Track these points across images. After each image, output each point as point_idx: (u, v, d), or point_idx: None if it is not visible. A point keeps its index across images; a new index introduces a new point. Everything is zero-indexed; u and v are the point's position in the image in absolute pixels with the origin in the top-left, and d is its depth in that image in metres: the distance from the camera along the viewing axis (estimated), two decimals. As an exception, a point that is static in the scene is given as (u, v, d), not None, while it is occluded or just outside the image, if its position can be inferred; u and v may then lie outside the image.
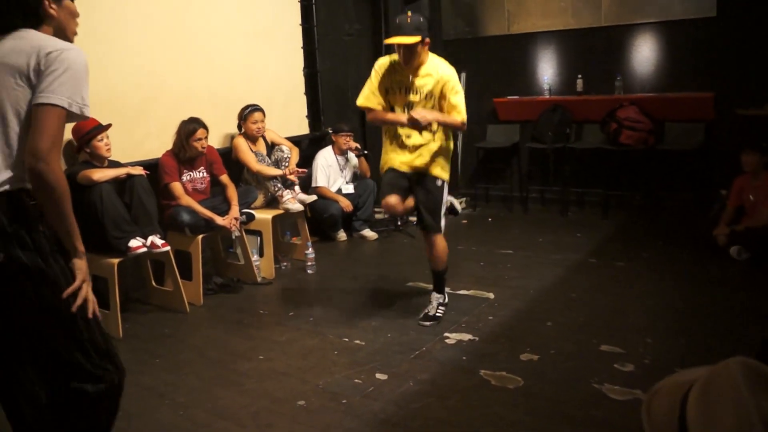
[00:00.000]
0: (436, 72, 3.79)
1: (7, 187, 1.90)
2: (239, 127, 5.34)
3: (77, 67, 1.91)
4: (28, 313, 1.92)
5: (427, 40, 3.73)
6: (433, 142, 3.89)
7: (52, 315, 1.93)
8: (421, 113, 3.65)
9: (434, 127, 3.84)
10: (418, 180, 3.96)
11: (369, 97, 3.92)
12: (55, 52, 1.88)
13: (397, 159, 3.97)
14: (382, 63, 3.92)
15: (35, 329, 1.95)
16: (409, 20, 3.69)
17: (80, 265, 1.97)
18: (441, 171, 3.94)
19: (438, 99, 3.81)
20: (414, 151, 3.92)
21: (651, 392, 1.10)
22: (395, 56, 3.82)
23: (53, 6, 2.02)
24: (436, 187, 3.93)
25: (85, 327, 1.96)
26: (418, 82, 3.81)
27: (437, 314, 4.06)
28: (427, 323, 4.01)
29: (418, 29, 3.66)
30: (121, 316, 4.13)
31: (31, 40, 1.92)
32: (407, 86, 3.83)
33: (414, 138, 3.89)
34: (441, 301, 4.13)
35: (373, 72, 3.93)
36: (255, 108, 5.28)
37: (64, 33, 2.05)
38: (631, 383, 3.10)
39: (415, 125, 3.68)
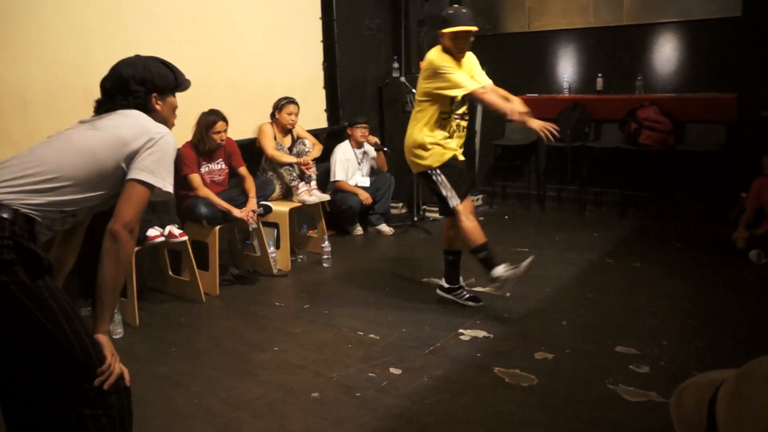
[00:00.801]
0: (470, 60, 4.09)
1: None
2: (272, 115, 5.40)
3: (171, 152, 2.12)
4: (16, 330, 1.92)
5: None
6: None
7: (40, 334, 1.91)
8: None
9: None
10: None
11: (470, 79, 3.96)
12: (158, 136, 2.08)
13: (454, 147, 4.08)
14: (446, 57, 3.97)
15: (23, 346, 1.95)
16: (464, 11, 3.99)
17: (105, 340, 2.02)
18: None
19: None
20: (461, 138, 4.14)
21: (680, 388, 1.08)
22: (440, 50, 3.97)
23: (159, 102, 2.25)
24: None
25: (79, 348, 1.95)
26: (468, 67, 4.06)
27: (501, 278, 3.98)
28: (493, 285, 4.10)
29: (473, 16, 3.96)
30: (138, 305, 4.16)
31: (140, 121, 2.14)
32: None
33: (462, 125, 4.11)
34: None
35: (448, 63, 3.90)
36: (291, 100, 5.38)
37: (165, 124, 2.23)
38: (646, 385, 3.08)
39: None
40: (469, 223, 4.02)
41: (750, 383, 0.91)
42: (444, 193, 4.02)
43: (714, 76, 6.03)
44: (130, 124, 2.12)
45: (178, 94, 2.41)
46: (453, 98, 3.94)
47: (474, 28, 3.90)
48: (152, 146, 2.06)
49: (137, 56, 2.31)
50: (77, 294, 4.18)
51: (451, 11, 3.97)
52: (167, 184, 2.10)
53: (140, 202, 2.06)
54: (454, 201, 4.00)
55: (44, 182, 1.97)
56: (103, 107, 2.19)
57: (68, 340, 1.89)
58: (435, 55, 3.97)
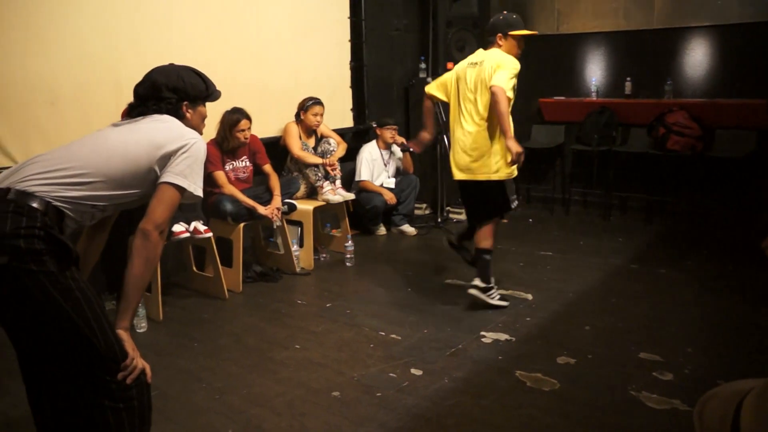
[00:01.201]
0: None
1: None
2: (297, 115, 5.41)
3: (201, 156, 2.19)
4: (35, 317, 1.94)
5: None
6: None
7: (60, 321, 1.94)
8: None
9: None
10: None
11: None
12: (192, 142, 2.16)
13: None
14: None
15: (44, 332, 1.98)
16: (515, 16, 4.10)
17: (126, 336, 2.06)
18: None
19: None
20: None
21: (705, 398, 1.07)
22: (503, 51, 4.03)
23: (189, 110, 2.33)
24: None
25: (103, 341, 1.97)
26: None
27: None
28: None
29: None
30: (162, 300, 4.20)
31: (174, 126, 2.22)
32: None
33: None
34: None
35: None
36: (317, 101, 5.38)
37: (195, 131, 2.29)
38: (670, 393, 3.05)
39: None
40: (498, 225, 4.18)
41: None
42: (510, 196, 4.10)
43: (745, 81, 5.94)
44: (164, 129, 2.18)
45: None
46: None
47: (534, 32, 4.14)
48: (186, 151, 2.13)
49: (171, 65, 2.36)
50: (102, 288, 4.23)
51: (514, 16, 4.09)
52: (198, 189, 2.17)
53: (172, 204, 2.12)
54: (515, 202, 4.16)
55: (76, 176, 2.01)
56: (135, 111, 2.25)
57: (93, 332, 1.93)
58: (508, 57, 3.98)
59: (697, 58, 6.23)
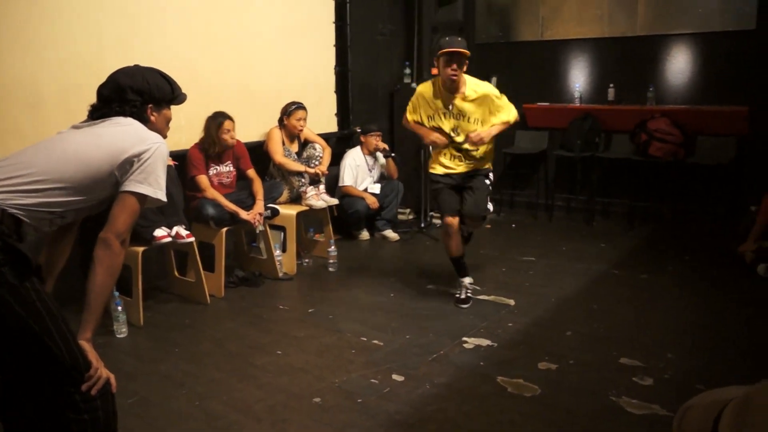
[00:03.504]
0: (475, 93, 4.14)
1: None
2: (280, 121, 5.39)
3: (163, 160, 2.15)
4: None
5: (467, 62, 4.08)
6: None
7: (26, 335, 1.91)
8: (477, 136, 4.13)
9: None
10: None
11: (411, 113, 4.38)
12: (154, 146, 2.12)
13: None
14: (421, 95, 4.28)
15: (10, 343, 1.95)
16: (459, 39, 4.07)
17: (88, 347, 2.02)
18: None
19: (486, 113, 4.21)
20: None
21: (684, 407, 1.07)
22: (428, 82, 4.24)
23: (154, 113, 2.29)
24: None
25: (66, 352, 1.95)
26: (461, 105, 4.14)
27: (468, 296, 4.39)
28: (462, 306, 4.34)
29: (467, 47, 4.02)
30: (143, 305, 4.17)
31: (136, 129, 2.18)
32: (455, 111, 4.17)
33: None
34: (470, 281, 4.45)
35: (414, 102, 4.34)
36: (300, 106, 5.36)
37: (158, 134, 2.25)
38: (650, 398, 3.06)
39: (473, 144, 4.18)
40: None
41: (758, 402, 0.89)
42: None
43: (726, 88, 6.00)
44: (126, 132, 2.15)
45: (190, 96, 2.43)
46: (439, 129, 4.30)
47: (455, 49, 3.99)
48: (149, 156, 2.09)
49: (137, 66, 2.33)
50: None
51: (446, 38, 4.12)
52: (160, 193, 2.13)
53: (133, 212, 2.10)
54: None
55: (33, 183, 1.98)
56: (98, 113, 2.20)
57: (55, 344, 1.89)
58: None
59: (679, 65, 6.29)
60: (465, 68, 4.07)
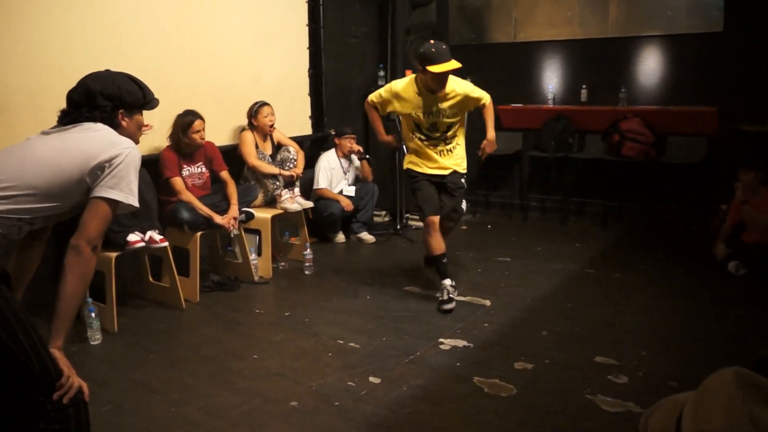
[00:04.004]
0: (456, 92, 4.23)
1: None
2: (250, 123, 5.36)
3: (135, 165, 2.13)
4: None
5: None
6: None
7: None
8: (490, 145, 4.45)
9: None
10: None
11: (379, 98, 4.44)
12: (125, 151, 2.10)
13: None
14: (400, 88, 4.33)
15: None
16: (444, 47, 4.09)
17: (60, 355, 2.00)
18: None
19: (463, 110, 4.36)
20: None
21: (650, 410, 1.11)
22: (407, 81, 4.30)
23: (125, 119, 2.26)
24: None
25: (36, 361, 1.93)
26: (444, 104, 4.24)
27: (451, 297, 4.34)
28: (446, 306, 4.30)
29: (451, 57, 4.07)
30: (117, 310, 4.13)
31: (106, 134, 2.16)
32: (436, 110, 4.25)
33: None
34: (452, 283, 4.40)
35: (390, 89, 4.39)
36: (264, 103, 5.33)
37: (130, 139, 2.23)
38: (624, 395, 3.10)
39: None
40: None
41: (712, 392, 0.93)
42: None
43: (696, 89, 6.08)
44: (96, 138, 2.12)
45: (162, 98, 2.41)
46: (417, 125, 4.42)
47: (450, 67, 4.07)
48: (120, 162, 2.07)
49: (107, 71, 2.30)
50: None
51: (433, 50, 4.09)
52: (132, 199, 2.12)
53: (105, 218, 2.08)
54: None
55: (2, 190, 1.95)
56: (67, 118, 2.18)
57: (24, 352, 1.87)
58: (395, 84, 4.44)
59: (649, 66, 6.37)
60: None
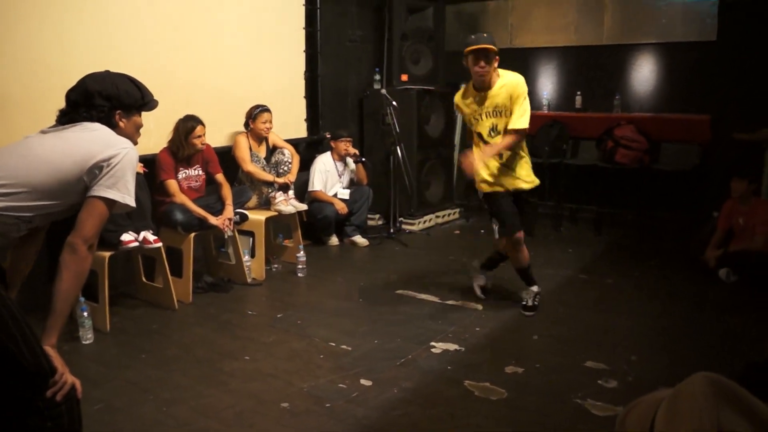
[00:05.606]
0: (504, 82, 4.06)
1: None
2: (246, 125, 5.37)
3: (132, 165, 2.15)
4: None
5: (497, 58, 4.00)
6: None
7: None
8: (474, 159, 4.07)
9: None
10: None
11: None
12: (123, 152, 2.11)
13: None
14: (457, 103, 4.28)
15: None
16: (484, 35, 4.02)
17: (53, 353, 2.01)
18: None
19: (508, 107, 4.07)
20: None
21: (628, 407, 1.13)
22: (460, 93, 4.23)
23: (123, 120, 2.27)
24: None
25: (31, 358, 1.94)
26: (495, 100, 4.07)
27: (535, 303, 4.33)
28: (528, 313, 4.29)
29: (493, 42, 3.96)
30: (110, 310, 4.13)
31: (104, 134, 2.18)
32: (487, 109, 4.10)
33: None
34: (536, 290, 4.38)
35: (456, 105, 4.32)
36: (265, 108, 5.35)
37: (128, 140, 2.24)
38: (614, 400, 3.11)
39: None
40: None
41: (683, 396, 0.95)
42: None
43: (689, 97, 6.14)
44: (94, 138, 2.14)
45: (159, 100, 2.42)
46: (479, 134, 4.23)
47: (481, 46, 3.96)
48: (118, 162, 2.09)
49: (107, 72, 2.32)
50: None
51: (472, 36, 4.06)
52: (129, 198, 2.13)
53: (102, 218, 2.09)
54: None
55: (0, 187, 1.96)
56: (66, 118, 2.19)
57: (19, 349, 1.87)
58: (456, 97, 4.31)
59: (643, 74, 6.42)
60: (496, 64, 4.02)
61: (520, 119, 4.01)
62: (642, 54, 6.42)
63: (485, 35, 4.02)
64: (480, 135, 4.18)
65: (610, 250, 5.91)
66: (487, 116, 4.11)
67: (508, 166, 4.17)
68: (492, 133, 4.12)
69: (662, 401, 1.01)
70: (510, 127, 4.02)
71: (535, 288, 4.37)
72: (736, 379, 2.40)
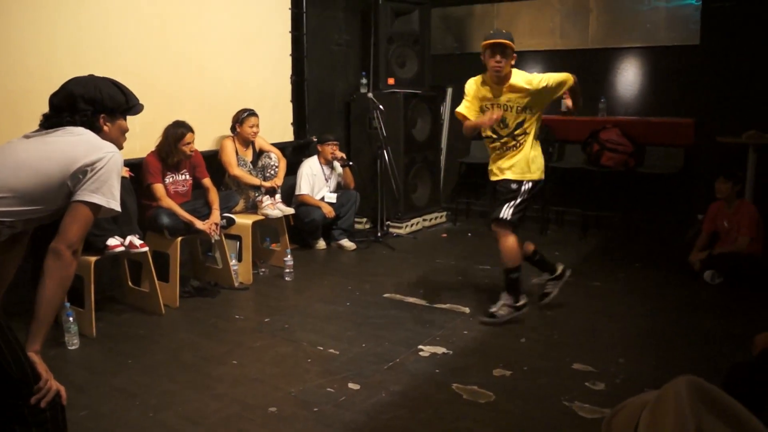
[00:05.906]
0: (521, 84, 4.06)
1: None
2: (233, 129, 5.35)
3: (117, 169, 2.12)
4: None
5: (515, 55, 4.04)
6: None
7: None
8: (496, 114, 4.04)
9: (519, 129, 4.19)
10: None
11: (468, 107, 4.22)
12: (108, 156, 2.09)
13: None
14: (471, 84, 4.26)
15: None
16: (504, 31, 4.09)
17: (38, 359, 1.99)
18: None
19: (535, 107, 4.17)
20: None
21: (615, 410, 1.14)
22: (479, 78, 4.20)
23: (107, 124, 2.25)
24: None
25: (14, 364, 1.92)
26: (510, 95, 4.09)
27: (499, 313, 4.22)
28: (486, 319, 4.22)
29: (511, 39, 3.99)
30: (96, 315, 4.10)
31: (88, 138, 2.15)
32: (500, 102, 4.11)
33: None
34: (506, 302, 4.25)
35: (466, 91, 4.27)
36: (252, 112, 5.34)
37: (113, 144, 2.22)
38: (602, 402, 3.13)
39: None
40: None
41: (666, 400, 0.96)
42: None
43: (673, 101, 6.18)
44: (78, 142, 2.12)
45: (145, 103, 2.40)
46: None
47: (497, 41, 3.98)
48: (102, 166, 2.07)
49: (91, 76, 2.30)
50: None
51: (491, 31, 4.13)
52: (114, 203, 2.11)
53: (86, 223, 2.08)
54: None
55: None
56: (49, 122, 2.17)
57: (2, 356, 1.86)
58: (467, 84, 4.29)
59: (628, 77, 6.46)
60: (513, 61, 4.04)
61: (559, 74, 4.19)
62: (627, 58, 6.46)
63: (504, 32, 4.09)
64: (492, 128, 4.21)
65: (597, 253, 5.94)
66: (498, 108, 4.12)
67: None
68: (501, 125, 4.16)
69: (647, 404, 1.02)
70: (561, 79, 4.19)
71: (508, 300, 4.25)
72: (721, 380, 2.42)
